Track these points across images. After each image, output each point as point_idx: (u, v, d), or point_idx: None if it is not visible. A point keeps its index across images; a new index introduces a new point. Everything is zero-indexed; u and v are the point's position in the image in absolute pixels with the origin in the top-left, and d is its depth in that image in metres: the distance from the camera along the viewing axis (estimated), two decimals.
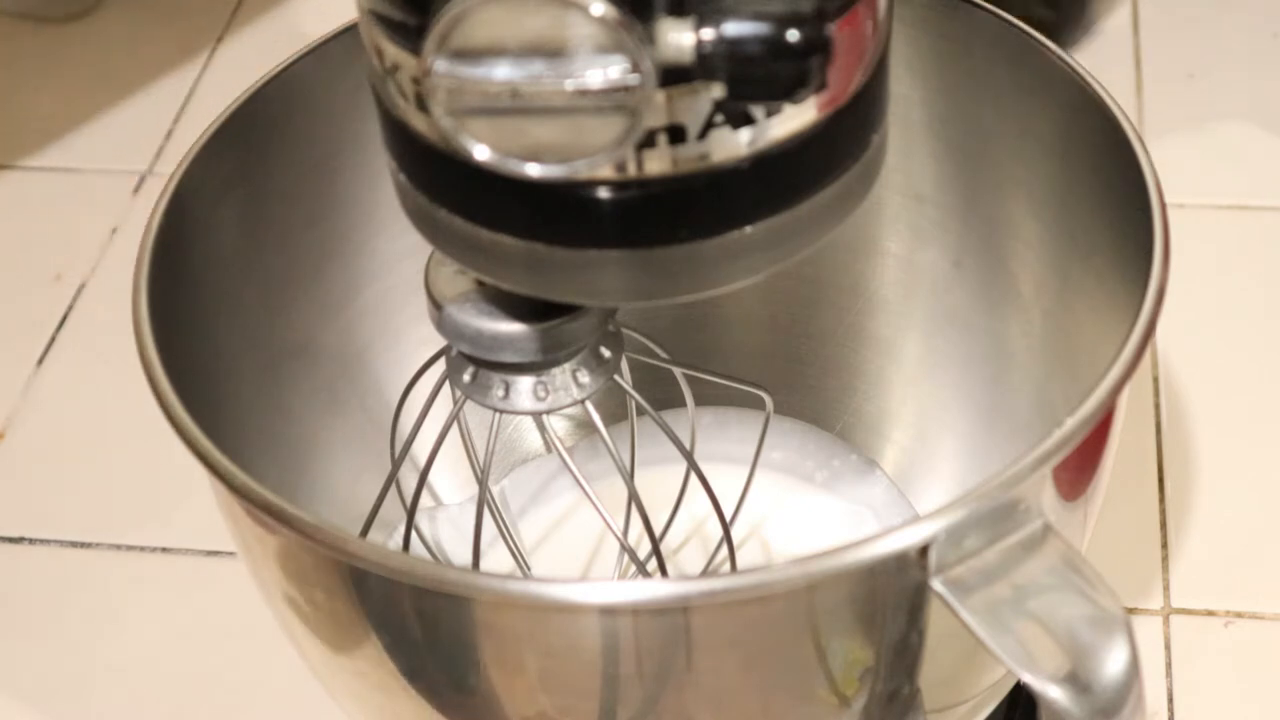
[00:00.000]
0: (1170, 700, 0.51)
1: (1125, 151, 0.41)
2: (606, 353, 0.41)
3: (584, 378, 0.40)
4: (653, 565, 0.47)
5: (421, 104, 0.32)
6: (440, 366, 0.42)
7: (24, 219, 0.69)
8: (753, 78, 0.30)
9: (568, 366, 0.40)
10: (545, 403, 0.40)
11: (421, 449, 0.45)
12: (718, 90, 0.30)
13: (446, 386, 0.42)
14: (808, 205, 0.33)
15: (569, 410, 0.45)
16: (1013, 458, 0.35)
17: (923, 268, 0.51)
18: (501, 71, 0.29)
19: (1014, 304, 0.49)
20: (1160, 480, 0.56)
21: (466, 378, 0.40)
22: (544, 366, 0.40)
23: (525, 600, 0.34)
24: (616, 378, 0.41)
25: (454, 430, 0.44)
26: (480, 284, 0.38)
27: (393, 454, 0.47)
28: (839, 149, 0.33)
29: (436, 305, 0.39)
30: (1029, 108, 0.45)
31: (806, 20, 0.29)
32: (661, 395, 0.47)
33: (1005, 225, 0.48)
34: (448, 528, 0.52)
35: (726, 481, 0.49)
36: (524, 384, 0.40)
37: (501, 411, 0.40)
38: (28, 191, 0.70)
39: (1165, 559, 0.54)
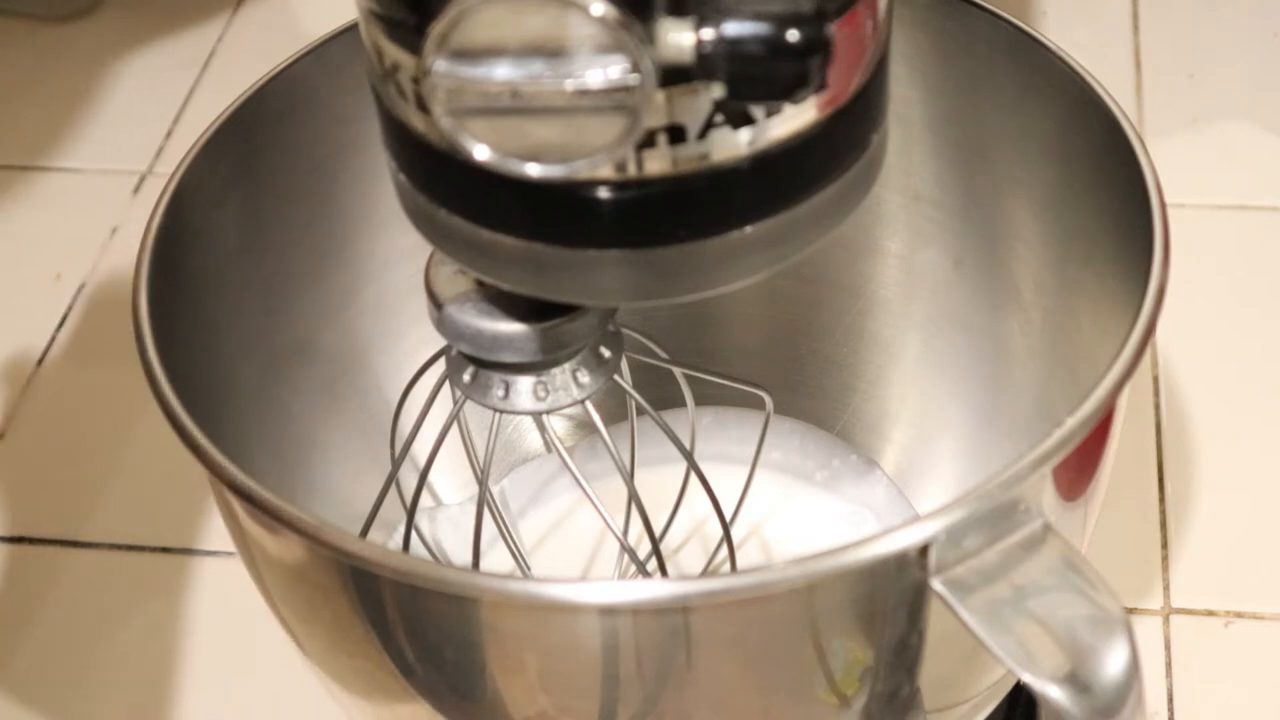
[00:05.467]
0: (1170, 700, 0.51)
1: (1125, 151, 0.41)
2: (606, 353, 0.41)
3: (584, 378, 0.40)
4: (653, 565, 0.47)
5: (421, 104, 0.32)
6: (440, 366, 0.42)
7: (24, 219, 0.69)
8: (753, 78, 0.30)
9: (568, 366, 0.40)
10: (545, 403, 0.40)
11: (421, 449, 0.45)
12: (718, 90, 0.30)
13: (446, 386, 0.42)
14: (808, 205, 0.33)
15: (569, 410, 0.45)
16: (1013, 458, 0.35)
17: (923, 268, 0.51)
18: (501, 71, 0.29)
19: (1014, 304, 0.49)
20: (1160, 480, 0.56)
21: (466, 378, 0.40)
22: (544, 366, 0.40)
23: (525, 600, 0.34)
24: (616, 378, 0.41)
25: (454, 430, 0.44)
26: (480, 284, 0.38)
27: (393, 454, 0.47)
28: (839, 149, 0.33)
29: (436, 305, 0.39)
30: (1029, 107, 0.45)
31: (806, 20, 0.29)
32: (661, 395, 0.47)
33: (1005, 225, 0.48)
34: (448, 528, 0.52)
35: (726, 481, 0.49)
36: (524, 384, 0.40)
37: (501, 411, 0.40)
38: (28, 191, 0.70)
39: (1165, 559, 0.54)
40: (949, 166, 0.49)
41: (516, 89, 0.29)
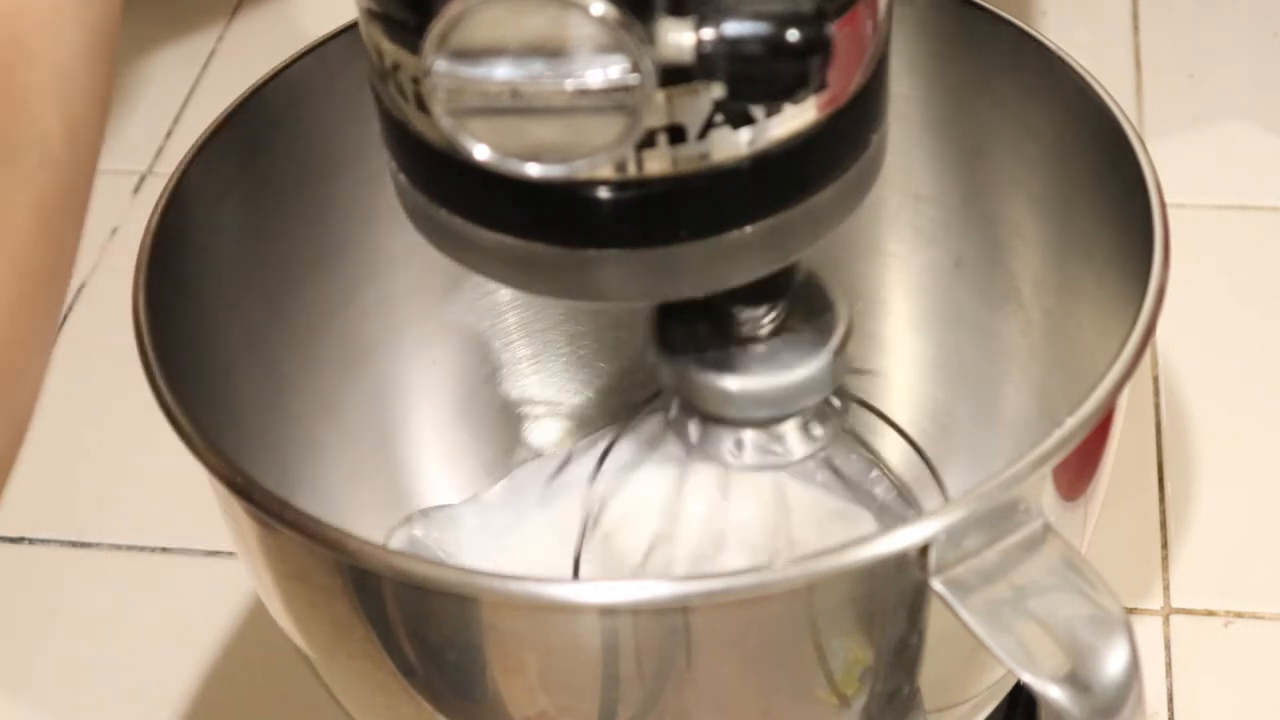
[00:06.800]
0: (1170, 700, 0.51)
1: (1125, 151, 0.41)
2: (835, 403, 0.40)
3: (816, 430, 0.39)
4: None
5: (421, 104, 0.32)
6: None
7: None
8: (753, 77, 0.30)
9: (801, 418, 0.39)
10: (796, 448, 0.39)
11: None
12: (718, 90, 0.30)
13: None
14: (808, 205, 0.33)
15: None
16: (1013, 458, 0.35)
17: (923, 268, 0.51)
18: (501, 71, 0.29)
19: (1014, 304, 0.49)
20: (1160, 480, 0.56)
21: (693, 436, 0.39)
22: (774, 422, 0.39)
23: (525, 600, 0.34)
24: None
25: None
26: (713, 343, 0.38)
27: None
28: (839, 148, 0.33)
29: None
30: (1029, 108, 0.45)
31: (806, 20, 0.29)
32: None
33: (1005, 225, 0.48)
34: (448, 528, 0.52)
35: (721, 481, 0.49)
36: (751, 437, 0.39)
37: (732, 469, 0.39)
38: None
39: (1165, 559, 0.54)
40: (949, 166, 0.49)
41: (516, 89, 0.29)
